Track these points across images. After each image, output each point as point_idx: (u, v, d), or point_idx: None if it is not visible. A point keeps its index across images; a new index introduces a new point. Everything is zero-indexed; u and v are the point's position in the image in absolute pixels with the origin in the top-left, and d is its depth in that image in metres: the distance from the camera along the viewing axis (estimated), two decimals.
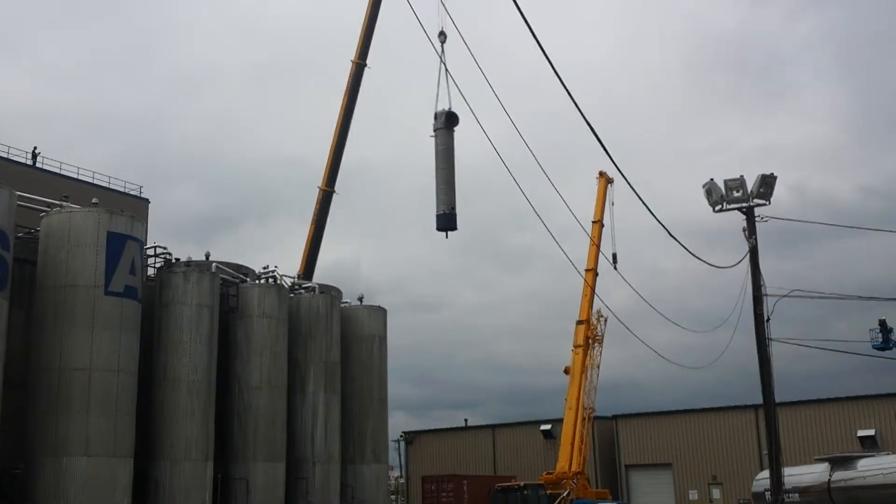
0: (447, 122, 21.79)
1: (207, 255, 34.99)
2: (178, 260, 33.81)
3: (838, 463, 32.45)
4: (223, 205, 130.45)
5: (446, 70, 21.32)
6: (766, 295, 25.02)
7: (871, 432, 57.45)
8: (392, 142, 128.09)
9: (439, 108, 21.63)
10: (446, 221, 21.74)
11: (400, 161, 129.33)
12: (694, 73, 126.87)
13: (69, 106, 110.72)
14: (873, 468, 31.03)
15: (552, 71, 11.99)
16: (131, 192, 49.44)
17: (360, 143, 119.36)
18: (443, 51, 21.77)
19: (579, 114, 13.19)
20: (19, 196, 29.37)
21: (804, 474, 33.11)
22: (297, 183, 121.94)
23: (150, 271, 34.17)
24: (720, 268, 26.17)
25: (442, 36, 22.01)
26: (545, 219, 21.83)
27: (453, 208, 21.60)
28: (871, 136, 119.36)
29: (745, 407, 61.97)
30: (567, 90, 12.60)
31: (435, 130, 21.90)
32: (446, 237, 22.02)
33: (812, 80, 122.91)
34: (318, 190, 47.91)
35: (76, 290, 29.15)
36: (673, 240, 23.61)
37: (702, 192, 26.62)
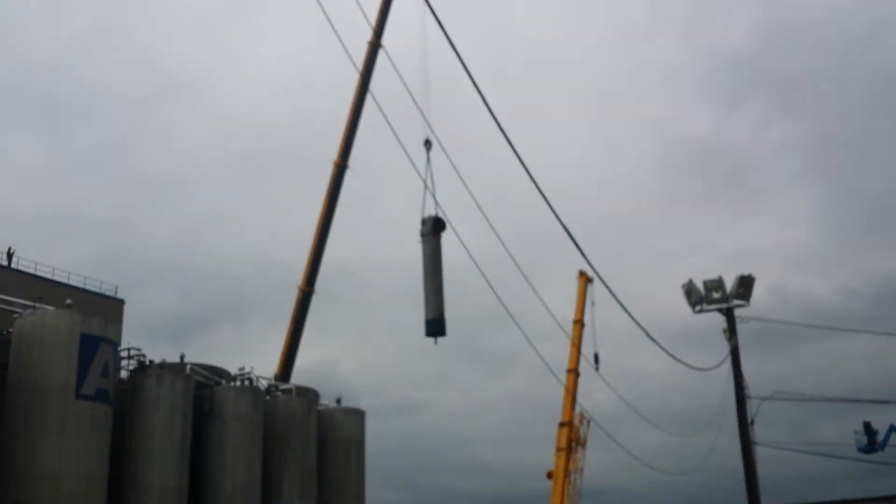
0: (434, 227, 21.68)
1: (182, 357, 34.35)
2: (151, 362, 33.16)
3: None
4: (198, 306, 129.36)
5: (429, 180, 21.39)
6: (750, 397, 24.83)
7: None
8: (373, 242, 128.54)
9: (426, 214, 21.56)
10: (435, 327, 21.44)
11: (380, 262, 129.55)
12: (669, 178, 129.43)
13: (41, 208, 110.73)
14: None
15: (530, 179, 12.00)
16: (107, 293, 48.97)
17: (340, 243, 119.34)
18: (428, 158, 21.85)
19: (556, 218, 13.17)
20: None
21: None
22: (274, 284, 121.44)
23: (124, 373, 33.48)
24: (701, 370, 26.00)
25: (427, 144, 22.13)
26: (527, 319, 21.73)
27: (442, 314, 21.32)
28: (848, 239, 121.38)
29: None
30: (543, 195, 12.63)
31: (422, 236, 21.76)
32: (435, 343, 21.67)
33: (786, 184, 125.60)
34: (296, 290, 47.60)
35: (47, 394, 28.47)
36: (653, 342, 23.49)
37: (680, 293, 26.63)
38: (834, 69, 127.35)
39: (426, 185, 21.34)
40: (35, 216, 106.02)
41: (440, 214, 21.78)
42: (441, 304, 21.28)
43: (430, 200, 22.34)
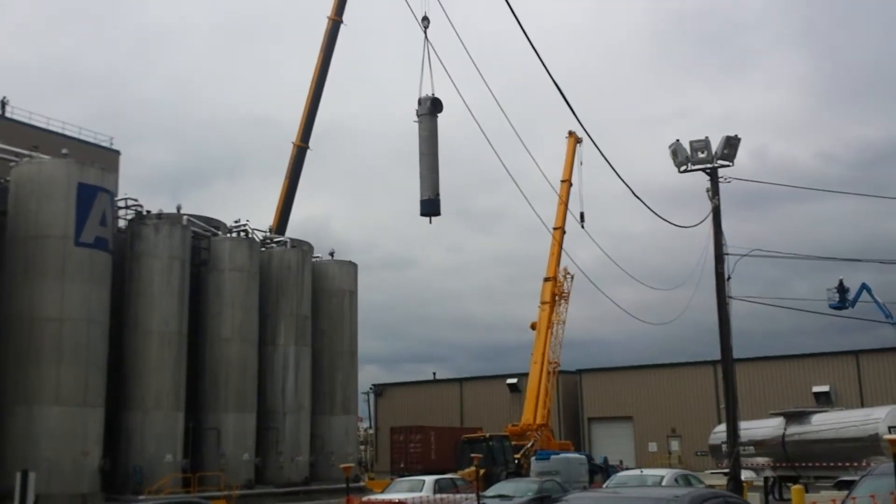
0: (432, 108, 21.74)
1: (179, 208, 35.04)
2: (149, 212, 33.87)
3: (793, 417, 33.47)
4: (193, 161, 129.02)
5: (429, 55, 21.29)
6: (728, 254, 25.62)
7: (826, 388, 59.11)
8: (365, 101, 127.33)
9: (423, 94, 21.55)
10: (431, 207, 21.93)
11: (374, 121, 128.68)
12: (656, 43, 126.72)
13: (35, 63, 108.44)
14: (826, 423, 32.07)
15: (522, 37, 12.30)
16: (102, 144, 48.98)
17: (333, 101, 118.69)
18: (426, 36, 21.61)
19: (547, 75, 13.55)
20: None
21: (760, 428, 34.14)
22: (267, 141, 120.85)
23: (121, 223, 34.19)
24: (683, 227, 26.77)
25: (425, 21, 21.83)
26: (516, 180, 22.18)
27: (437, 194, 21.71)
28: (830, 104, 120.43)
29: (705, 363, 63.36)
30: (535, 49, 12.96)
31: (419, 116, 21.81)
32: (430, 222, 22.20)
33: (772, 50, 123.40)
34: (292, 145, 47.98)
35: (46, 241, 29.22)
36: (638, 203, 24.15)
37: (666, 157, 27.05)
38: None
39: (423, 65, 21.33)
40: (27, 69, 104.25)
41: (436, 81, 21.86)
42: (436, 183, 21.59)
43: (427, 80, 22.24)
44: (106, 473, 29.88)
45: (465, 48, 15.66)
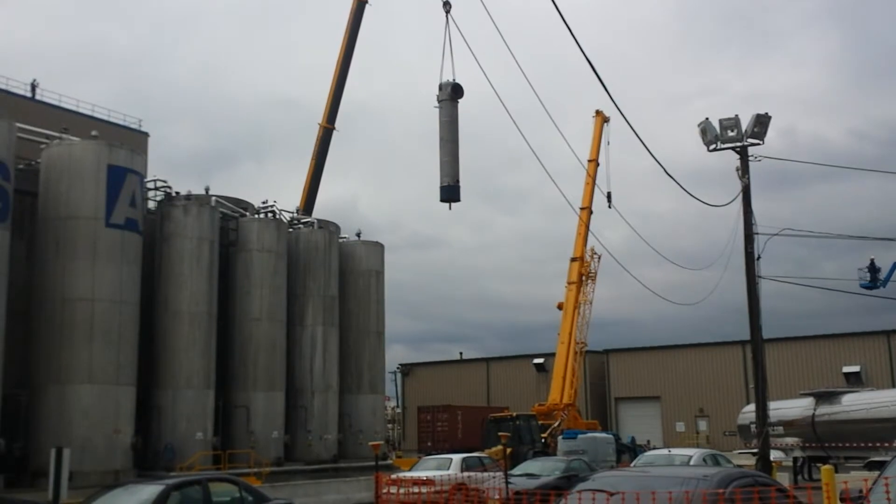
0: (452, 93, 21.73)
1: (207, 190, 35.26)
2: (178, 193, 34.10)
3: (823, 397, 33.30)
4: (220, 142, 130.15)
5: (451, 38, 21.25)
6: (758, 234, 25.42)
7: (856, 368, 58.68)
8: (391, 82, 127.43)
9: (444, 80, 21.53)
10: (450, 193, 22.04)
11: (398, 101, 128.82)
12: (682, 20, 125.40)
13: (62, 46, 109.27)
14: (856, 403, 31.88)
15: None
16: (131, 126, 49.30)
17: (359, 82, 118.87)
18: (447, 21, 21.55)
19: (575, 55, 13.47)
20: (19, 128, 29.44)
21: (789, 408, 34.01)
22: (293, 122, 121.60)
23: (151, 204, 34.46)
24: (713, 206, 26.57)
25: (447, 6, 21.76)
26: (541, 161, 22.11)
27: (457, 180, 21.75)
28: (860, 82, 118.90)
29: (733, 343, 63.06)
30: (568, 27, 12.87)
31: (440, 101, 21.80)
32: (450, 208, 22.29)
33: (800, 26, 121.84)
34: (318, 127, 48.14)
35: (77, 222, 29.46)
36: (663, 184, 24.03)
37: (692, 137, 26.84)
38: None
39: (444, 48, 21.30)
40: (55, 52, 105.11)
41: (458, 56, 21.78)
42: (457, 170, 21.62)
43: (446, 64, 22.19)
44: (138, 450, 30.27)
45: (497, 27, 15.61)
